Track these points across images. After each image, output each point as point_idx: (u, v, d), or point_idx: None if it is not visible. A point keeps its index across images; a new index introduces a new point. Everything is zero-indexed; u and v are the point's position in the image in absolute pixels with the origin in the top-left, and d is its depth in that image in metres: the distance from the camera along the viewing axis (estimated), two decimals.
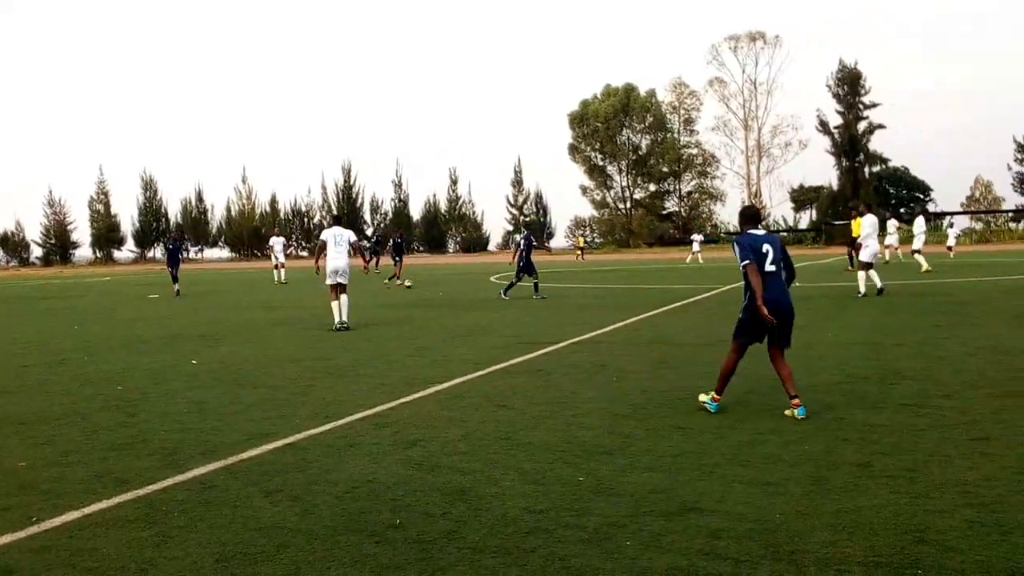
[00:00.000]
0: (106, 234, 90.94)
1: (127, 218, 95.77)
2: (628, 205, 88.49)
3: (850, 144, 77.54)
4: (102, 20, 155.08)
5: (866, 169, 79.01)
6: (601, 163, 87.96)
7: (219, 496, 5.21)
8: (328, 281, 14.56)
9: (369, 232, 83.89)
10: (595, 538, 4.32)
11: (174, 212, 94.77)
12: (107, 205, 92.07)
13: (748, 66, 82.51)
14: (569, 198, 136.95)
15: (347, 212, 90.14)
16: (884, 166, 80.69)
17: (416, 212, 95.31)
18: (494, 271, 38.89)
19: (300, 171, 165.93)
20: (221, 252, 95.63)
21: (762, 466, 5.52)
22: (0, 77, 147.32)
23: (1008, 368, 8.84)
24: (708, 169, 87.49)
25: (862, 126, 78.25)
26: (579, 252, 64.83)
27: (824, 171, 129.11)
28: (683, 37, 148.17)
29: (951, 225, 47.00)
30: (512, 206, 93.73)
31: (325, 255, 14.67)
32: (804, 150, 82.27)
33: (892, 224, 28.43)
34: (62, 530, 4.68)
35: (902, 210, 70.33)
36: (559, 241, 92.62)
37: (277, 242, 34.71)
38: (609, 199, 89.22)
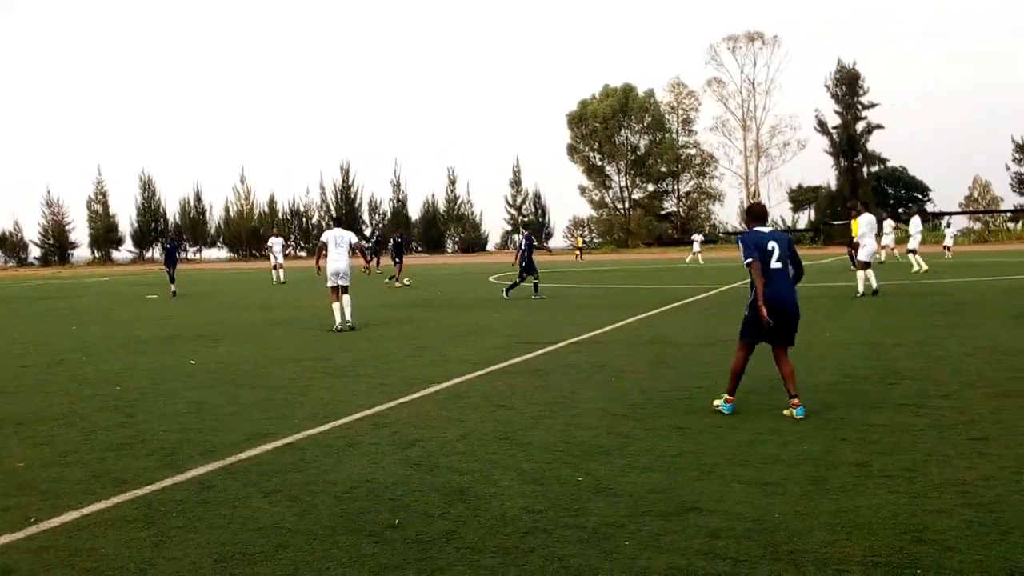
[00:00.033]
0: (104, 234, 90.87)
1: (125, 218, 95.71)
2: (627, 205, 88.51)
3: (848, 144, 77.60)
4: (101, 20, 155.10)
5: (864, 169, 79.08)
6: (600, 163, 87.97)
7: (218, 496, 5.20)
8: (329, 283, 14.55)
9: (368, 232, 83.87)
10: (594, 538, 4.32)
11: (172, 212, 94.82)
12: (105, 205, 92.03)
13: (746, 66, 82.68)
14: (568, 198, 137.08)
15: (345, 212, 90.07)
16: (882, 166, 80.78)
17: (415, 212, 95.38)
18: (493, 271, 38.90)
19: (298, 171, 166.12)
20: (219, 252, 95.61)
21: (761, 466, 5.52)
22: None
23: (1007, 368, 8.84)
24: (706, 169, 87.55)
25: (860, 126, 78.33)
26: (578, 252, 64.85)
27: (822, 171, 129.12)
28: (681, 37, 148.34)
29: (948, 225, 47.03)
30: (511, 206, 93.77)
31: (325, 255, 14.66)
32: (802, 150, 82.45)
33: (888, 224, 28.50)
34: (60, 530, 4.68)
35: (900, 210, 70.38)
36: (557, 241, 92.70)
37: (276, 242, 34.68)
38: (608, 199, 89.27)
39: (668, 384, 8.57)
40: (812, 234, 75.34)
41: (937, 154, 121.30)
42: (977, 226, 75.70)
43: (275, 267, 33.40)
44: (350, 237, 14.89)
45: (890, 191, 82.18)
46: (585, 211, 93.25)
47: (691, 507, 4.74)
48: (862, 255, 18.58)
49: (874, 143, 79.15)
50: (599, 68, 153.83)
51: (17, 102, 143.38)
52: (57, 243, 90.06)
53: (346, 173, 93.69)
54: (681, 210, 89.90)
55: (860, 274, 18.36)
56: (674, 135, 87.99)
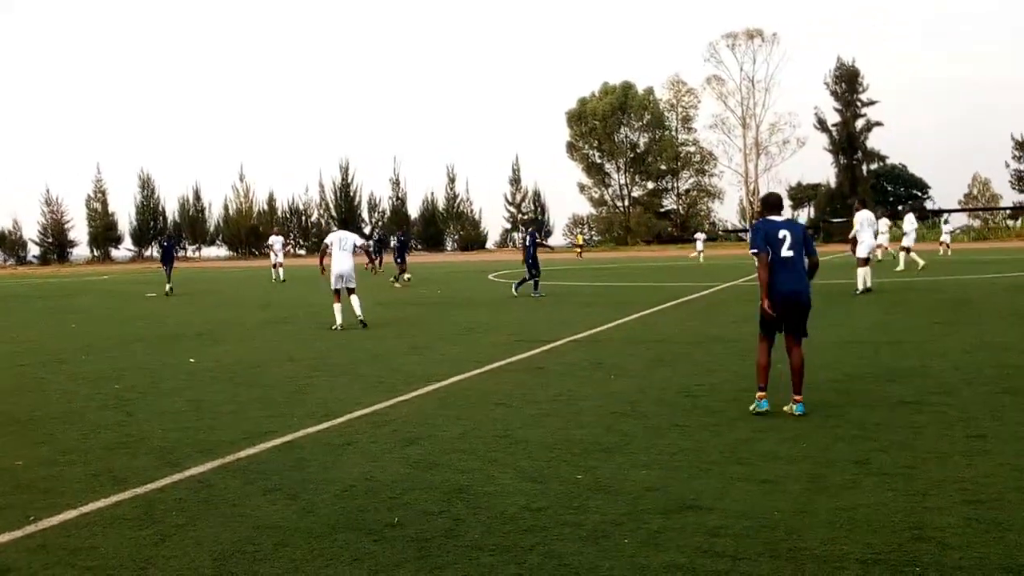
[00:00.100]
0: (103, 233, 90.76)
1: (124, 217, 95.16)
2: (626, 203, 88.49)
3: (848, 142, 77.64)
4: (100, 20, 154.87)
5: (864, 166, 79.09)
6: (599, 161, 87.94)
7: (217, 495, 5.20)
8: (334, 285, 14.51)
9: (367, 231, 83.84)
10: (593, 536, 4.32)
11: (171, 211, 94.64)
12: (104, 204, 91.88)
13: (746, 64, 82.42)
14: (567, 196, 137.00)
15: (345, 210, 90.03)
16: (882, 163, 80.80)
17: (414, 210, 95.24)
18: (492, 269, 38.91)
19: (298, 169, 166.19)
20: (219, 251, 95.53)
21: (760, 464, 5.52)
22: None
23: (1006, 365, 8.84)
24: (706, 167, 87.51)
25: (860, 123, 78.36)
26: (578, 250, 64.85)
27: (822, 169, 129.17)
28: (681, 35, 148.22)
29: (946, 222, 47.02)
30: (510, 204, 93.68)
31: (329, 255, 14.65)
32: (802, 148, 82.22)
33: (884, 223, 28.56)
34: (60, 529, 4.67)
35: (899, 207, 70.45)
36: (557, 239, 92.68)
37: (276, 241, 34.62)
38: (607, 197, 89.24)
39: (667, 382, 8.57)
40: (812, 231, 75.28)
41: (937, 151, 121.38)
42: (976, 223, 75.72)
43: (275, 266, 33.37)
44: (355, 239, 14.86)
45: (889, 188, 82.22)
46: (584, 209, 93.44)
47: (690, 505, 4.74)
48: (860, 252, 18.63)
49: (873, 140, 79.33)
50: (598, 66, 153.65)
51: (16, 101, 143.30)
52: (56, 241, 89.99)
53: (345, 171, 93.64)
54: (680, 208, 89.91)
55: (860, 271, 18.38)
56: (673, 133, 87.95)
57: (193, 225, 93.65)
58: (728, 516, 4.53)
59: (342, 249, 14.50)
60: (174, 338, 14.03)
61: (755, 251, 6.95)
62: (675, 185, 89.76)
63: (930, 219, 68.26)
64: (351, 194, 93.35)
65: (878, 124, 78.47)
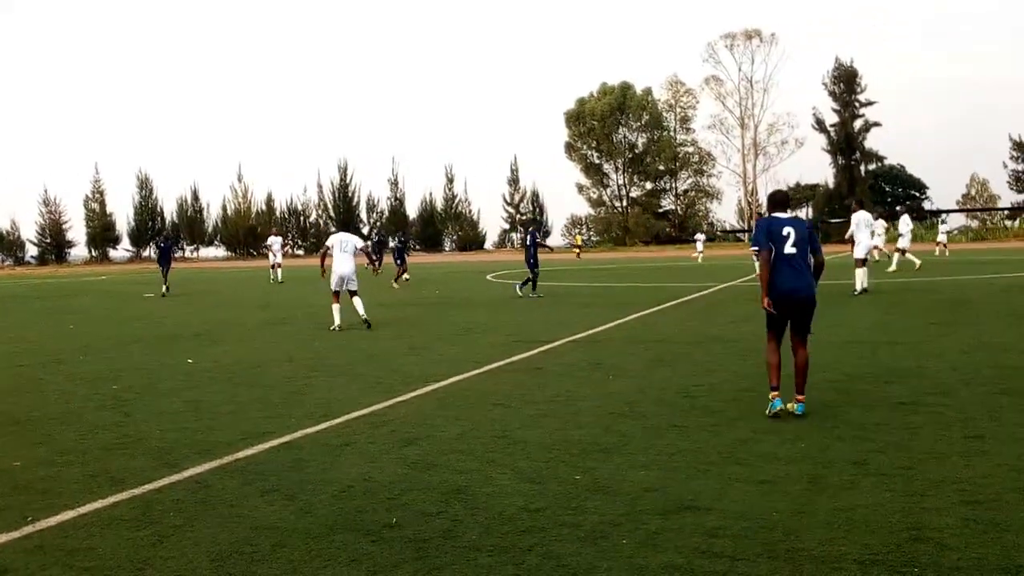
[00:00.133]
0: (102, 233, 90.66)
1: (123, 217, 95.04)
2: (624, 203, 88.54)
3: (846, 142, 77.69)
4: (99, 19, 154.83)
5: (862, 167, 79.14)
6: (597, 161, 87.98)
7: (215, 495, 5.20)
8: (333, 287, 14.49)
9: (365, 231, 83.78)
10: (591, 536, 4.32)
11: (170, 211, 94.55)
12: (103, 204, 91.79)
13: (744, 64, 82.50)
14: (565, 196, 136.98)
15: (343, 211, 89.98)
16: (880, 164, 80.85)
17: (412, 211, 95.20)
18: (491, 270, 38.90)
19: (296, 170, 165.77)
20: (217, 251, 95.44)
21: (758, 464, 5.52)
22: None
23: (1003, 366, 8.85)
24: (704, 167, 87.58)
25: (858, 124, 78.40)
26: (577, 251, 64.86)
27: (820, 169, 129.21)
28: (679, 35, 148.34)
29: (943, 222, 47.07)
30: (508, 204, 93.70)
31: (330, 256, 14.63)
32: (800, 148, 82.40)
33: (880, 224, 28.68)
34: (57, 530, 4.67)
35: (897, 208, 70.50)
36: (555, 239, 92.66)
37: (275, 241, 34.56)
38: (605, 197, 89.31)
39: (666, 382, 8.57)
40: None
41: (936, 152, 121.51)
42: (974, 224, 75.79)
43: (273, 266, 33.33)
44: (356, 241, 14.84)
45: (887, 189, 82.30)
46: (583, 209, 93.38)
47: (689, 505, 4.74)
48: (857, 252, 18.71)
49: (872, 141, 79.35)
50: (597, 66, 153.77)
51: (15, 101, 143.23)
52: (54, 242, 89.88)
53: (344, 171, 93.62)
54: (679, 208, 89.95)
55: (858, 272, 18.43)
56: (672, 133, 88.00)
57: (191, 225, 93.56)
58: (726, 517, 4.53)
59: (343, 251, 14.48)
60: (172, 339, 14.02)
61: (755, 248, 6.95)
62: (673, 185, 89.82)
63: (928, 219, 68.34)
64: (349, 194, 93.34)
65: (876, 125, 78.58)
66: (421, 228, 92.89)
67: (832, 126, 78.56)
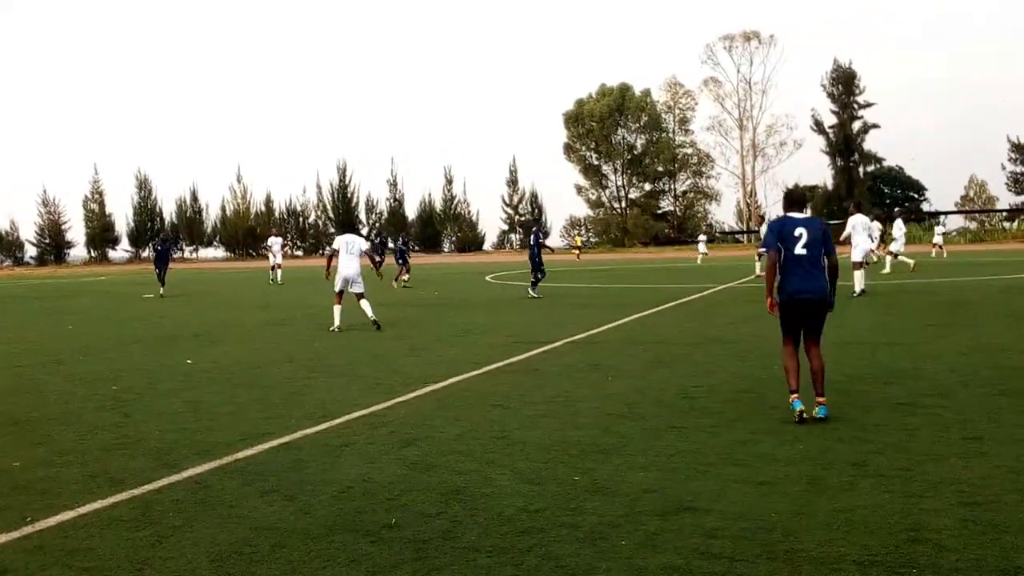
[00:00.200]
0: (101, 234, 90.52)
1: (122, 217, 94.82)
2: (623, 204, 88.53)
3: (845, 143, 77.71)
4: (98, 19, 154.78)
5: (861, 169, 79.18)
6: (596, 162, 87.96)
7: (214, 496, 5.20)
8: (337, 287, 14.46)
9: (364, 232, 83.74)
10: (590, 537, 4.32)
11: (169, 211, 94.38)
12: (102, 204, 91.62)
13: (743, 66, 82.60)
14: (564, 197, 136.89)
15: (342, 212, 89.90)
16: (879, 166, 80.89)
17: (411, 212, 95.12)
18: (489, 271, 38.91)
19: (295, 170, 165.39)
20: (216, 252, 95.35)
21: (757, 465, 5.52)
22: None
23: (1002, 367, 8.86)
24: (703, 169, 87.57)
25: (857, 126, 78.42)
26: (576, 251, 64.89)
27: (819, 171, 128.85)
28: (678, 37, 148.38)
29: (938, 224, 47.18)
30: (507, 206, 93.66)
31: (336, 258, 14.60)
32: (799, 150, 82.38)
33: (876, 226, 28.79)
34: (57, 530, 4.67)
35: (896, 208, 70.53)
36: (554, 240, 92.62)
37: (275, 242, 34.52)
38: (604, 198, 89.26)
39: (665, 383, 8.57)
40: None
41: (935, 153, 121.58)
42: (973, 226, 75.83)
43: (273, 267, 33.30)
44: (361, 243, 14.81)
45: (886, 190, 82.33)
46: (582, 210, 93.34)
47: (687, 506, 4.75)
48: (855, 255, 18.78)
49: (870, 142, 79.32)
50: (596, 67, 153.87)
51: (14, 101, 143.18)
52: (53, 242, 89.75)
53: (343, 172, 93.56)
54: (678, 209, 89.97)
55: (856, 274, 18.49)
56: (670, 134, 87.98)
57: (190, 226, 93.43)
58: (725, 518, 4.54)
59: (349, 253, 14.45)
60: (171, 339, 14.02)
61: (762, 250, 6.88)
62: (672, 187, 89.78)
63: (927, 220, 68.38)
64: (348, 195, 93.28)
65: (875, 126, 78.62)
66: (420, 229, 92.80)
67: (831, 127, 78.62)
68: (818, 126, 79.00)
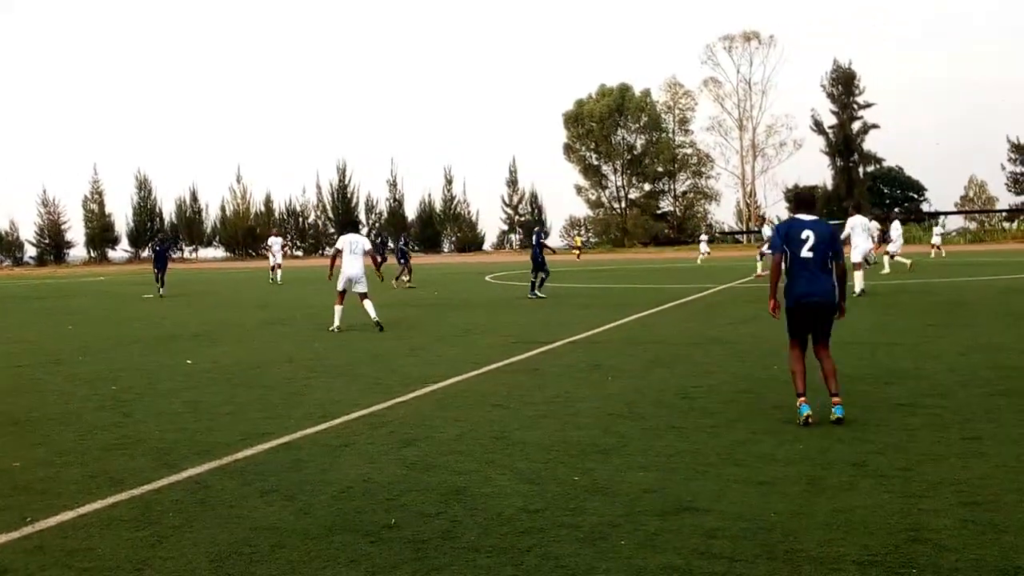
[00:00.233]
0: (100, 234, 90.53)
1: (122, 218, 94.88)
2: (623, 205, 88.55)
3: (844, 144, 77.76)
4: (97, 20, 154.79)
5: (860, 169, 79.21)
6: (596, 163, 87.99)
7: (214, 496, 5.20)
8: (339, 287, 14.43)
9: (364, 232, 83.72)
10: (590, 537, 4.32)
11: (168, 212, 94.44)
12: (101, 205, 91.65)
13: (743, 66, 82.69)
14: (564, 198, 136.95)
15: (342, 212, 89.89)
16: (878, 166, 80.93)
17: (411, 212, 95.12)
18: (489, 271, 38.91)
19: (295, 171, 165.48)
20: (216, 252, 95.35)
21: (757, 465, 5.53)
22: None
23: (1001, 367, 8.87)
24: (703, 169, 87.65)
25: (856, 126, 78.49)
26: (576, 252, 64.89)
27: (819, 171, 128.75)
28: (678, 37, 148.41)
29: (936, 224, 47.27)
30: (507, 206, 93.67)
31: (339, 258, 14.57)
32: (799, 150, 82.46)
33: (874, 226, 28.89)
34: (56, 530, 4.67)
35: (895, 209, 70.56)
36: (554, 241, 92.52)
37: (275, 242, 34.51)
38: (604, 199, 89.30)
39: (665, 384, 8.57)
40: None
41: (934, 154, 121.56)
42: (972, 226, 75.87)
43: (273, 267, 33.29)
44: (364, 243, 14.79)
45: (886, 191, 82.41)
46: (581, 211, 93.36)
47: (687, 507, 4.75)
48: (854, 256, 18.84)
49: (870, 143, 79.42)
50: (595, 68, 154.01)
51: (13, 101, 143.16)
52: (53, 242, 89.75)
53: (342, 172, 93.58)
54: (677, 210, 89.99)
55: (856, 274, 18.54)
56: (670, 135, 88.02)
57: (190, 226, 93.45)
58: (725, 518, 4.54)
59: (353, 252, 14.43)
60: (171, 339, 14.02)
61: (768, 252, 6.83)
62: (672, 187, 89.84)
63: (926, 221, 68.40)
64: (348, 195, 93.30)
65: (874, 126, 78.70)
66: (420, 229, 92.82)
67: (830, 128, 78.70)
68: (818, 126, 79.13)
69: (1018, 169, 77.10)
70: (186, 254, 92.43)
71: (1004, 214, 77.56)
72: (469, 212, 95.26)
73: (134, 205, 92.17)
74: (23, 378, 10.23)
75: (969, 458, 5.54)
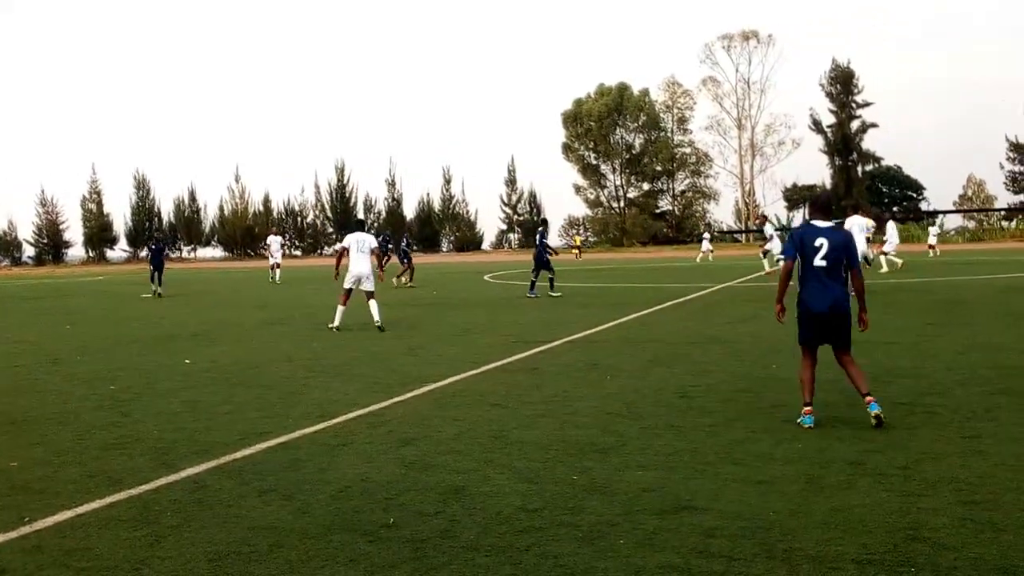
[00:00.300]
0: (99, 233, 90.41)
1: (120, 217, 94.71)
2: (622, 204, 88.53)
3: (843, 143, 77.75)
4: (96, 20, 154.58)
5: (859, 168, 79.24)
6: (594, 162, 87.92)
7: (212, 496, 5.20)
8: (346, 285, 14.39)
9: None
10: (589, 537, 4.32)
11: (167, 211, 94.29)
12: (99, 204, 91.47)
13: (741, 65, 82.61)
14: (563, 197, 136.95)
15: (341, 212, 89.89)
16: (877, 165, 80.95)
17: (410, 211, 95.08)
18: (488, 270, 38.91)
19: (294, 170, 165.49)
20: (214, 251, 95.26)
21: (755, 464, 5.53)
22: None
23: (1000, 366, 8.87)
24: (701, 168, 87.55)
25: (855, 125, 78.46)
26: (576, 251, 64.88)
27: (817, 170, 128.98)
28: (676, 36, 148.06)
29: (933, 224, 47.39)
30: (506, 205, 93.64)
31: (346, 256, 14.56)
32: (797, 149, 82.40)
33: (868, 223, 29.06)
34: (55, 530, 4.67)
35: (893, 209, 70.65)
36: (553, 240, 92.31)
37: (275, 241, 34.48)
38: (603, 198, 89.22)
39: (663, 383, 8.57)
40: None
41: (934, 153, 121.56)
42: (971, 225, 75.91)
43: (272, 267, 33.27)
44: (371, 241, 14.77)
45: (885, 190, 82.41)
46: (580, 210, 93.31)
47: (686, 506, 4.75)
48: None
49: (868, 142, 79.35)
50: (594, 67, 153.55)
51: (13, 101, 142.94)
52: (51, 242, 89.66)
53: (341, 172, 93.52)
54: (676, 209, 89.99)
55: None
56: (669, 134, 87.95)
57: (188, 226, 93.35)
58: (723, 517, 4.54)
59: (360, 251, 14.42)
60: (170, 339, 14.01)
61: (780, 258, 6.78)
62: (671, 186, 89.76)
63: (925, 220, 68.43)
64: (347, 195, 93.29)
65: (873, 126, 78.63)
66: (418, 229, 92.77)
67: (829, 127, 78.65)
68: (816, 125, 79.06)
69: (1017, 168, 77.13)
70: (184, 254, 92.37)
71: (1003, 213, 77.61)
72: (468, 212, 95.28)
73: (132, 205, 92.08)
74: (21, 378, 10.22)
75: (968, 457, 5.54)
